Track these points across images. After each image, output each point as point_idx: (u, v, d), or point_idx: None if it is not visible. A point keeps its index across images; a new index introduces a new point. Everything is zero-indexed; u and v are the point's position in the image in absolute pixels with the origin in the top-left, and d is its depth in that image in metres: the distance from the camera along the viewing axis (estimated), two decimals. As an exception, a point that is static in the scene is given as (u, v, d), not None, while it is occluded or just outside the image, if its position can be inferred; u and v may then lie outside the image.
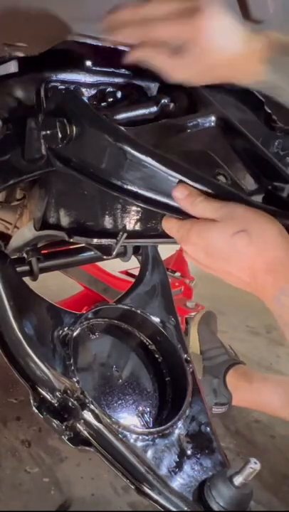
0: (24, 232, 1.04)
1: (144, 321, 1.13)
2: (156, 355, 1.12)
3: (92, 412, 0.89)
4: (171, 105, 0.91)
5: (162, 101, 0.89)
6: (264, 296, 0.72)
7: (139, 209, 0.91)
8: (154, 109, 0.89)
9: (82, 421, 0.89)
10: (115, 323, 1.13)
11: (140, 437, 0.92)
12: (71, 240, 0.93)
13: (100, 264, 2.04)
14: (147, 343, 1.13)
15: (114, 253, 0.92)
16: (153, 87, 0.94)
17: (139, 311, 1.12)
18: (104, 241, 0.91)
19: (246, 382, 1.66)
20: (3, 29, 0.77)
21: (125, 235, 0.90)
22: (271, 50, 0.76)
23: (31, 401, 0.92)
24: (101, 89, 0.91)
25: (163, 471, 0.90)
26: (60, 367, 0.93)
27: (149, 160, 0.74)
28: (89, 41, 0.85)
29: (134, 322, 1.13)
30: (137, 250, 1.25)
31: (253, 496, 0.88)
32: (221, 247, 0.70)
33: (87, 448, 0.91)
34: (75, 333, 0.99)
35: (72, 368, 0.94)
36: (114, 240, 0.90)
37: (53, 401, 0.91)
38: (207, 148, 0.90)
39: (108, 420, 0.90)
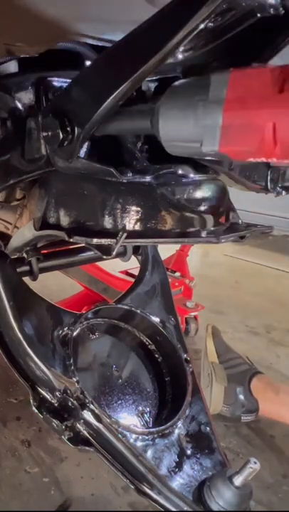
0: (24, 232, 1.04)
1: (144, 321, 1.13)
2: (156, 355, 1.12)
3: (92, 411, 0.89)
4: None
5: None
6: None
7: (139, 209, 0.91)
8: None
9: (82, 421, 0.89)
10: (115, 323, 1.13)
11: (140, 437, 0.92)
12: (71, 240, 0.93)
13: (100, 264, 2.04)
14: (147, 343, 1.13)
15: (114, 253, 0.92)
16: (152, 87, 0.94)
17: (138, 311, 1.12)
18: (104, 241, 0.91)
19: (272, 393, 1.66)
20: (4, 29, 0.77)
21: (125, 234, 0.90)
22: None
23: (31, 401, 0.92)
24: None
25: (163, 471, 0.90)
26: (59, 367, 0.93)
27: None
28: (89, 41, 0.85)
29: (134, 322, 1.13)
30: (137, 250, 1.25)
31: (253, 495, 0.88)
32: None
33: (87, 448, 0.91)
34: (74, 333, 1.00)
35: (72, 367, 0.94)
36: (114, 240, 0.90)
37: (52, 401, 0.91)
38: None
39: (108, 420, 0.90)
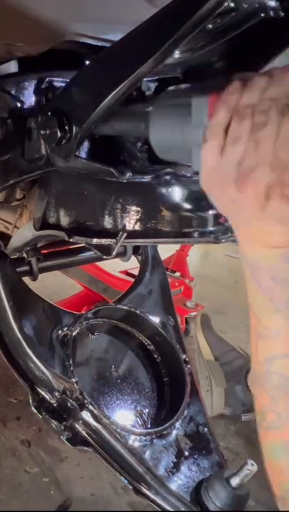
0: (24, 232, 1.04)
1: (143, 322, 1.13)
2: (155, 356, 1.12)
3: (91, 412, 0.89)
4: None
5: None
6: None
7: (139, 209, 0.91)
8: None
9: (80, 421, 0.89)
10: (114, 323, 1.13)
11: (138, 438, 0.92)
12: (71, 240, 0.93)
13: (100, 264, 2.04)
14: (146, 344, 1.13)
15: (114, 253, 0.92)
16: (152, 87, 0.94)
17: (138, 312, 1.12)
18: (104, 241, 0.91)
19: None
20: (4, 29, 0.77)
21: (125, 234, 0.90)
22: None
23: (30, 401, 0.92)
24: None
25: (161, 471, 0.90)
26: (59, 367, 0.93)
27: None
28: (89, 41, 0.85)
29: (134, 322, 1.13)
30: (137, 250, 1.25)
31: (253, 495, 0.88)
32: None
33: (85, 448, 0.91)
34: (74, 334, 1.00)
35: (72, 368, 0.94)
36: (114, 240, 0.90)
37: (52, 401, 0.91)
38: None
39: (106, 421, 0.90)
